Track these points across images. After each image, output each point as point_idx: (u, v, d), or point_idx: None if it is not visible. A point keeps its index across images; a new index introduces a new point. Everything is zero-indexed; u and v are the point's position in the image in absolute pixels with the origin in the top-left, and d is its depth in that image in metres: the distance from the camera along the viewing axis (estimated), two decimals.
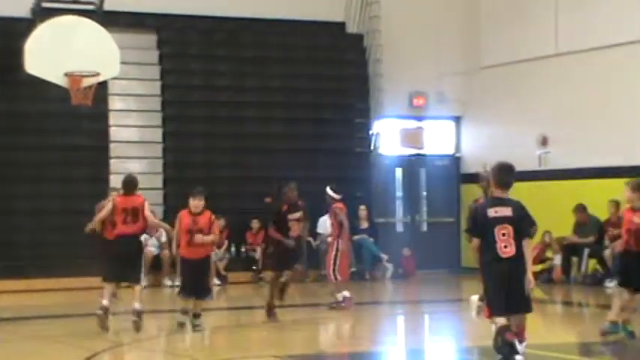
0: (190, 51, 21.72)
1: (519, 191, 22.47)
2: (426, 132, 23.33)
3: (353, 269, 20.78)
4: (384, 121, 22.76)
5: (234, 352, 10.79)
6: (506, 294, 9.11)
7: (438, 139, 23.51)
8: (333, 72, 22.41)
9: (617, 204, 18.56)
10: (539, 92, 21.43)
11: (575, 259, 20.05)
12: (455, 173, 23.39)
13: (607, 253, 18.97)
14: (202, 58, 21.70)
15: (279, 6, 22.10)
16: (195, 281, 12.59)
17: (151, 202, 20.54)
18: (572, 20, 20.83)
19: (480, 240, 9.28)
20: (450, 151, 23.62)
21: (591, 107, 20.39)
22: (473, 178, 23.22)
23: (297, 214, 14.04)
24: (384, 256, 21.17)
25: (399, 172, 23.04)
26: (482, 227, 9.23)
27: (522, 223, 9.21)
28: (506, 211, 9.20)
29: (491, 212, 9.22)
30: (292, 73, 21.98)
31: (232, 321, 15.12)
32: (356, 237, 20.97)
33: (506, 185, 9.34)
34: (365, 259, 21.01)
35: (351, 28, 22.95)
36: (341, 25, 22.92)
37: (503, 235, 9.12)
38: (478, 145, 23.11)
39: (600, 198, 19.39)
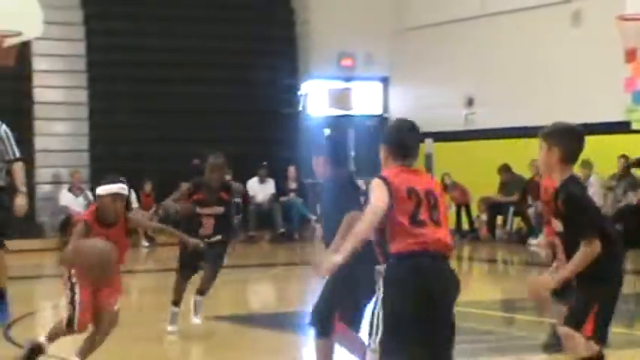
0: (116, 10, 21.40)
1: (446, 151, 22.69)
2: (353, 93, 23.38)
3: (282, 230, 20.85)
4: (312, 82, 22.80)
5: (163, 314, 10.59)
6: None
7: (366, 100, 23.61)
8: (261, 32, 22.23)
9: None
10: (466, 53, 21.52)
11: (500, 218, 20.44)
12: (382, 134, 23.41)
13: (531, 211, 19.31)
14: (128, 18, 21.44)
15: None
16: None
17: (76, 163, 20.69)
18: None
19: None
20: (378, 111, 23.71)
21: (516, 68, 20.55)
22: None
23: (211, 210, 9.79)
24: (313, 217, 21.14)
25: (327, 133, 23.01)
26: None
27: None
28: None
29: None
30: (220, 33, 21.75)
31: (161, 282, 14.93)
32: (284, 197, 21.08)
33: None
34: (293, 220, 21.03)
35: None
36: None
37: None
38: (405, 106, 23.16)
39: (524, 157, 19.60)
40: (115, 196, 7.37)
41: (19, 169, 10.03)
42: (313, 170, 6.92)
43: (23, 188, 10.02)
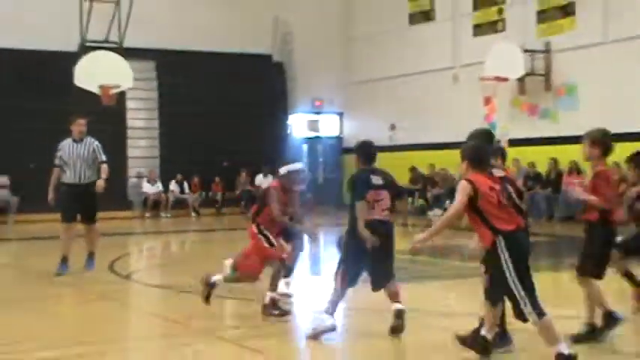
0: (176, 72, 21.22)
1: (378, 159, 22.80)
2: (321, 122, 23.32)
3: None
4: (296, 115, 22.79)
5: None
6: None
7: (329, 127, 23.53)
8: (267, 87, 22.14)
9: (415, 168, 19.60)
10: (391, 97, 21.63)
11: (410, 199, 20.58)
12: (339, 148, 23.50)
13: (429, 195, 19.68)
14: (184, 77, 21.22)
15: (230, 41, 21.69)
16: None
17: (151, 165, 20.76)
18: (409, 52, 21.07)
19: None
20: (336, 134, 23.68)
21: (421, 108, 20.67)
22: (349, 150, 23.59)
23: None
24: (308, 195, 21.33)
25: (305, 147, 23.14)
26: None
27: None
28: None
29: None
30: (241, 89, 21.54)
31: (205, 238, 15.15)
32: None
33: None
34: None
35: (277, 58, 22.82)
36: (269, 57, 22.72)
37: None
38: (352, 130, 23.18)
39: (425, 162, 20.06)
40: (297, 171, 6.73)
41: (105, 167, 9.69)
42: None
43: (104, 176, 9.65)
